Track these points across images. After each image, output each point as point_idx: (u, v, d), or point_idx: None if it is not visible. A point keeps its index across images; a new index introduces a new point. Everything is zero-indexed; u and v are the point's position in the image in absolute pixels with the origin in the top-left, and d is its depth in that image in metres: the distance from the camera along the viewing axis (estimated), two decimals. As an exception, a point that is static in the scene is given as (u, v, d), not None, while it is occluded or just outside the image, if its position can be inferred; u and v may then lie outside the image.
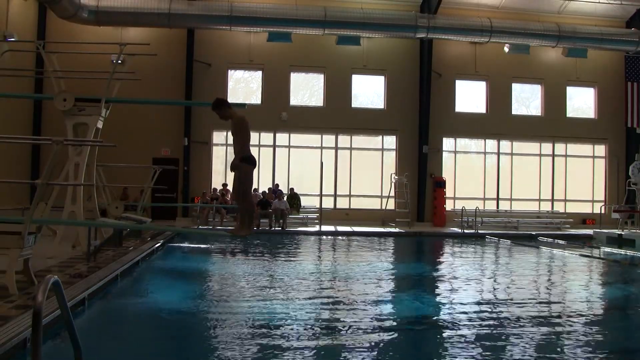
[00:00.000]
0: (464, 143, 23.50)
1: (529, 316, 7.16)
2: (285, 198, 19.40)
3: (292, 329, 6.19)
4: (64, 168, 11.01)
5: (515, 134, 23.02)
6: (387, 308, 7.72)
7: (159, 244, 12.96)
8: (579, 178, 23.65)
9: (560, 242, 16.95)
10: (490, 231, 19.20)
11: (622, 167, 22.68)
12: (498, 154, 23.30)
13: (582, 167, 23.72)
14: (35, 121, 19.87)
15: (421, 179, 21.91)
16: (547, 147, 23.53)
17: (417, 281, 10.36)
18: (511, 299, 8.54)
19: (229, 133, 6.73)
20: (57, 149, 6.58)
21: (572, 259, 13.72)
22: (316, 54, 21.83)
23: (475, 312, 7.40)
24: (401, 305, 7.91)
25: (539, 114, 23.66)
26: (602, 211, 20.39)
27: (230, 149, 7.43)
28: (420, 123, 22.01)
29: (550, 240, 17.50)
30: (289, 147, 22.05)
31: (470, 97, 23.17)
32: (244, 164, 6.16)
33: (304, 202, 20.75)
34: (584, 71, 23.30)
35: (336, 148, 22.25)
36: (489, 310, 7.62)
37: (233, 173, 6.42)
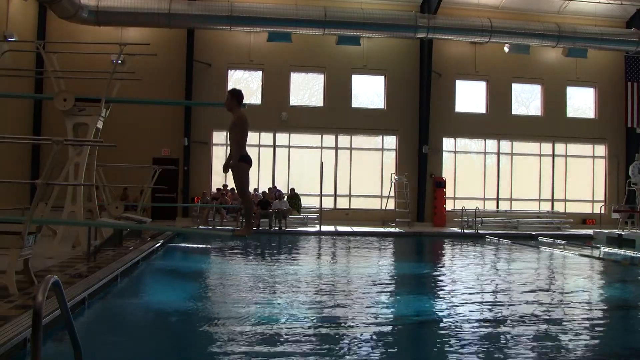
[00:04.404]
0: (464, 143, 23.50)
1: (529, 316, 7.15)
2: (285, 198, 19.42)
3: (291, 329, 6.19)
4: (64, 168, 11.01)
5: (515, 134, 23.03)
6: (387, 308, 7.71)
7: (159, 244, 12.96)
8: (579, 178, 23.66)
9: (560, 242, 16.96)
10: (490, 231, 19.19)
11: (622, 167, 22.69)
12: (498, 154, 23.31)
13: (582, 167, 23.72)
14: (35, 121, 19.87)
15: (421, 179, 21.91)
16: (547, 147, 23.54)
17: (417, 281, 10.36)
18: (511, 299, 8.53)
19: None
20: (57, 149, 6.58)
21: (572, 259, 13.72)
22: (316, 54, 21.83)
23: (475, 312, 7.41)
24: (401, 306, 7.91)
25: (539, 114, 23.66)
26: (602, 211, 20.39)
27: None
28: (420, 123, 22.01)
29: (550, 240, 17.50)
30: (289, 147, 22.05)
31: (470, 97, 23.17)
32: (242, 163, 6.19)
33: (304, 202, 20.75)
34: (584, 71, 23.31)
35: (336, 148, 22.25)
36: (489, 310, 7.62)
37: (231, 173, 6.44)
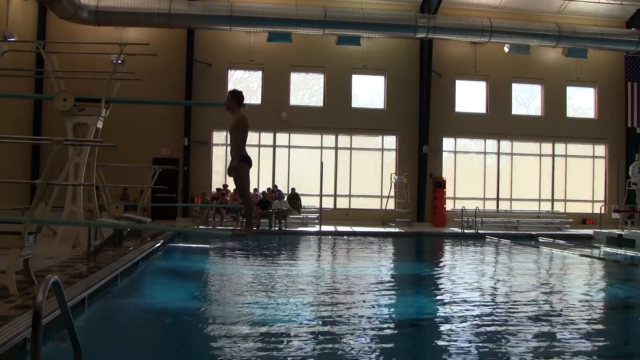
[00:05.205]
0: (464, 143, 23.50)
1: (529, 316, 7.16)
2: (285, 198, 19.42)
3: (291, 329, 6.19)
4: (64, 168, 11.01)
5: (515, 134, 23.03)
6: (387, 308, 7.71)
7: (159, 244, 12.96)
8: (579, 178, 23.67)
9: (560, 242, 16.96)
10: (490, 231, 19.20)
11: (622, 167, 22.69)
12: (498, 154, 23.30)
13: (582, 167, 23.73)
14: (35, 121, 19.87)
15: (421, 179, 21.91)
16: (547, 147, 23.54)
17: (417, 281, 10.36)
18: (511, 299, 8.54)
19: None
20: (57, 149, 6.58)
21: (572, 259, 13.72)
22: (316, 54, 21.83)
23: (475, 312, 7.40)
24: (401, 306, 7.91)
25: (539, 114, 23.66)
26: (602, 211, 20.39)
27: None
28: (420, 123, 22.01)
29: (550, 240, 17.50)
30: (289, 147, 22.04)
31: (470, 97, 23.17)
32: (242, 163, 6.19)
33: (304, 202, 20.75)
34: (584, 71, 23.31)
35: (336, 148, 22.25)
36: (489, 310, 7.62)
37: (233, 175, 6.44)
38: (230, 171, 6.42)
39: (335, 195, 22.02)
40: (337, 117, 21.88)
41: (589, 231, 19.48)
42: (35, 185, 7.17)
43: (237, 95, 6.38)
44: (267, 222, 18.67)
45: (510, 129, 22.90)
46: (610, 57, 23.29)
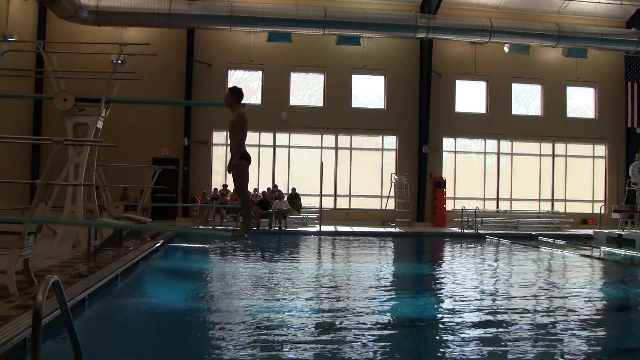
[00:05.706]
0: (464, 143, 23.49)
1: (529, 316, 7.16)
2: (285, 198, 19.42)
3: (291, 329, 6.19)
4: (64, 168, 11.02)
5: (515, 134, 23.03)
6: (387, 308, 7.71)
7: (159, 244, 12.96)
8: (579, 178, 23.67)
9: (560, 242, 16.96)
10: (490, 231, 19.20)
11: (622, 167, 22.69)
12: (498, 154, 23.30)
13: (582, 167, 23.73)
14: (35, 121, 19.87)
15: (421, 179, 21.92)
16: (547, 147, 23.54)
17: (417, 281, 10.36)
18: (511, 299, 8.53)
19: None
20: (57, 149, 6.58)
21: (572, 259, 13.72)
22: (316, 54, 21.83)
23: (475, 312, 7.40)
24: (401, 306, 7.90)
25: (539, 114, 23.66)
26: (602, 211, 20.39)
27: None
28: (420, 123, 22.01)
29: (550, 240, 17.50)
30: (289, 147, 22.04)
31: (470, 97, 23.16)
32: (242, 160, 6.19)
33: (304, 202, 20.75)
34: (584, 71, 23.30)
35: (336, 148, 22.24)
36: (489, 310, 7.62)
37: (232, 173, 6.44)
38: (230, 169, 6.42)
39: (335, 195, 22.02)
40: (337, 117, 21.88)
41: (589, 231, 19.49)
42: (35, 185, 7.17)
43: (237, 92, 6.37)
44: (267, 222, 18.67)
45: (510, 129, 22.90)
46: (610, 57, 23.29)
